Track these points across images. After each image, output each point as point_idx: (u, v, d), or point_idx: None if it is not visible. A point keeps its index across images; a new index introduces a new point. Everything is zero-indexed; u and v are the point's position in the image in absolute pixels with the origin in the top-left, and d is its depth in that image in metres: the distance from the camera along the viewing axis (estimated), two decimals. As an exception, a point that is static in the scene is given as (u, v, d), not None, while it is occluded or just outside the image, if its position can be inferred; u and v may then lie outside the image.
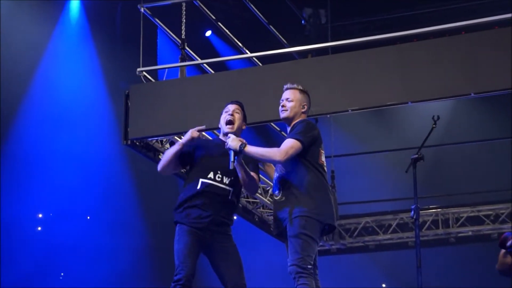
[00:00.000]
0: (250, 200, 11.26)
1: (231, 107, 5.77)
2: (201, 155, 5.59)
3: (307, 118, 5.52)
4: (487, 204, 11.81)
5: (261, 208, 11.50)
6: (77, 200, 12.79)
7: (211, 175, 5.47)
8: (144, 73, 8.91)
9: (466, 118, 12.53)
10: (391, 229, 12.33)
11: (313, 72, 8.19)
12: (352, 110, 7.99)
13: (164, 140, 9.58)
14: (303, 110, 5.52)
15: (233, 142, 5.26)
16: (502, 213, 11.74)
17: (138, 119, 8.81)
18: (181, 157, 5.62)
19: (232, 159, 5.20)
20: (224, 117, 5.72)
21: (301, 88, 5.60)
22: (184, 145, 5.57)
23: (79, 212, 13.07)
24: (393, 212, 12.31)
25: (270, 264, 12.83)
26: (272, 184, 5.60)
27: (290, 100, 5.54)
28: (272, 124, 10.31)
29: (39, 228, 13.16)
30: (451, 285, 12.21)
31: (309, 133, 5.31)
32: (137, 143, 9.14)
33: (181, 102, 8.63)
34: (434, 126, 6.04)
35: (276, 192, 5.32)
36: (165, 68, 9.22)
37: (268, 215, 11.65)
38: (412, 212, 5.93)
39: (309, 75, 8.15)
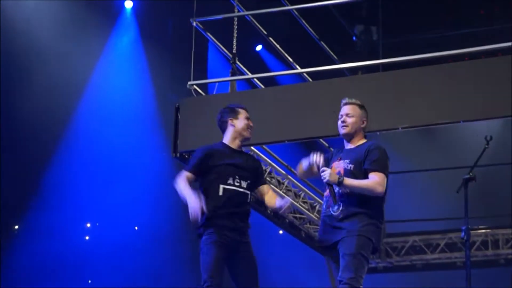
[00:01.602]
0: (297, 216, 11.22)
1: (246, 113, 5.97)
2: (217, 162, 5.75)
3: (376, 142, 5.52)
4: (538, 225, 11.63)
5: (308, 224, 11.45)
6: (125, 211, 12.89)
7: (230, 180, 5.67)
8: (195, 86, 8.95)
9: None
10: (439, 248, 12.19)
11: (364, 88, 8.14)
12: (403, 128, 7.93)
13: (213, 153, 9.59)
14: (362, 126, 5.55)
15: (331, 177, 5.25)
16: (553, 235, 11.56)
17: (187, 132, 8.85)
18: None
19: (335, 193, 5.26)
20: (247, 124, 5.91)
21: (360, 103, 5.61)
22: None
23: (127, 223, 13.17)
24: (442, 232, 12.16)
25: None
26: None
27: (350, 116, 5.55)
28: (321, 140, 10.29)
29: (87, 238, 13.29)
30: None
31: (388, 163, 5.38)
32: (186, 156, 9.17)
33: (231, 116, 8.63)
34: (486, 146, 5.95)
35: (336, 208, 5.28)
36: (215, 82, 9.25)
37: (314, 231, 11.59)
38: (463, 233, 5.85)
39: (360, 91, 8.09)
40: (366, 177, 5.31)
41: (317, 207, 11.30)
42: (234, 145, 5.92)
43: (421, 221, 12.58)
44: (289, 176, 10.71)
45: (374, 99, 7.93)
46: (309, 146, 12.04)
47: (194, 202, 5.50)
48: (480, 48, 7.99)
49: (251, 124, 5.91)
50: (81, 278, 12.83)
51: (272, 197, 5.82)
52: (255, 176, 5.88)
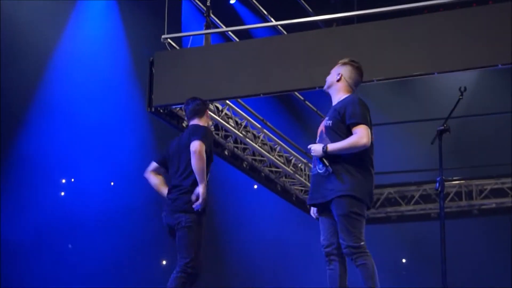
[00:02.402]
0: (273, 169, 11.25)
1: None
2: (211, 148, 6.28)
3: (354, 96, 5.49)
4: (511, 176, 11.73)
5: (284, 177, 11.49)
6: (100, 167, 12.86)
7: None
8: (169, 40, 8.88)
9: (491, 90, 12.41)
10: (414, 200, 12.30)
11: (338, 41, 8.14)
12: (378, 80, 7.94)
13: (188, 107, 9.57)
14: (337, 79, 5.53)
15: (316, 151, 5.36)
16: (526, 186, 11.68)
17: (162, 86, 8.81)
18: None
19: (327, 163, 5.30)
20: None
21: (345, 60, 5.62)
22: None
23: (102, 178, 13.13)
24: (417, 183, 12.26)
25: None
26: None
27: (328, 73, 5.63)
28: (296, 93, 10.28)
29: (62, 194, 13.26)
30: (472, 257, 12.18)
31: (366, 113, 5.35)
32: (161, 111, 9.14)
33: (206, 70, 8.61)
34: (460, 97, 5.96)
35: (320, 166, 5.34)
36: (189, 35, 9.18)
37: (290, 184, 11.65)
38: (437, 184, 5.89)
39: (334, 44, 8.11)
40: (349, 132, 5.33)
41: (292, 161, 11.34)
42: None
43: (396, 173, 12.66)
44: (265, 130, 10.72)
45: (348, 51, 7.89)
46: (284, 99, 12.07)
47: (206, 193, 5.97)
48: (454, -1, 7.98)
49: None
50: (61, 242, 12.78)
51: None
52: None
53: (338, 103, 5.46)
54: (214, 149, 10.06)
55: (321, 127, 5.47)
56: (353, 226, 5.23)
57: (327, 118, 5.45)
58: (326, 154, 5.28)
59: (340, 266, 5.36)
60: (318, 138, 5.47)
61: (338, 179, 5.27)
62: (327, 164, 5.28)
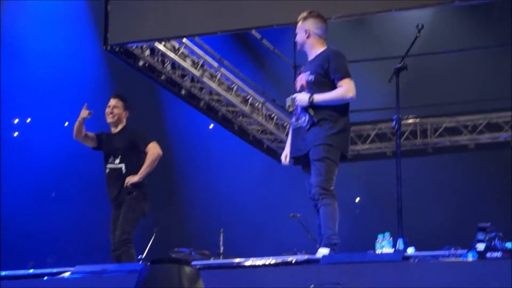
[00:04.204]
0: (230, 109, 11.23)
1: (110, 103, 7.03)
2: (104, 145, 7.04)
3: (333, 49, 5.60)
4: (466, 114, 11.83)
5: (241, 117, 11.49)
6: (55, 106, 12.68)
7: (111, 159, 6.92)
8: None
9: (446, 28, 12.38)
10: (369, 139, 12.39)
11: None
12: (336, 17, 7.92)
13: (144, 46, 9.48)
14: (306, 36, 5.61)
15: (301, 101, 5.45)
16: (480, 124, 11.79)
17: (118, 24, 8.71)
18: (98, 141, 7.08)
19: (312, 113, 5.39)
20: (106, 112, 7.02)
21: (304, 15, 5.67)
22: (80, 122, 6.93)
23: (57, 119, 12.97)
24: (372, 122, 12.32)
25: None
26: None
27: (296, 34, 5.68)
28: (253, 31, 10.23)
29: (15, 134, 13.09)
30: (427, 195, 12.31)
31: (347, 65, 5.52)
32: (117, 49, 9.04)
33: (162, 8, 8.53)
34: (418, 35, 5.97)
35: (304, 117, 5.44)
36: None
37: (247, 124, 11.65)
38: (394, 123, 5.95)
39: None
40: (332, 86, 5.43)
41: (249, 100, 11.33)
42: None
43: (352, 112, 12.65)
44: (222, 69, 10.67)
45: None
46: (241, 38, 11.97)
47: None
48: None
49: (108, 111, 6.97)
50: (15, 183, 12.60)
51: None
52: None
53: (317, 57, 5.57)
54: (171, 89, 10.13)
55: (301, 81, 5.56)
56: (326, 170, 5.33)
57: (308, 72, 5.54)
58: (311, 104, 5.36)
59: None
60: (298, 91, 5.55)
61: (319, 129, 5.38)
62: (313, 114, 5.37)
